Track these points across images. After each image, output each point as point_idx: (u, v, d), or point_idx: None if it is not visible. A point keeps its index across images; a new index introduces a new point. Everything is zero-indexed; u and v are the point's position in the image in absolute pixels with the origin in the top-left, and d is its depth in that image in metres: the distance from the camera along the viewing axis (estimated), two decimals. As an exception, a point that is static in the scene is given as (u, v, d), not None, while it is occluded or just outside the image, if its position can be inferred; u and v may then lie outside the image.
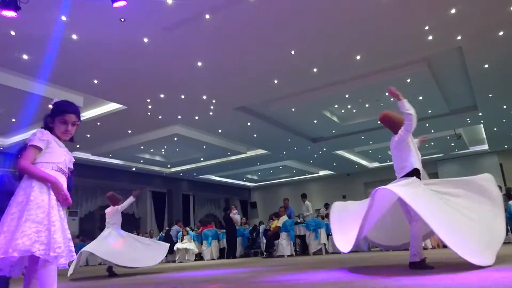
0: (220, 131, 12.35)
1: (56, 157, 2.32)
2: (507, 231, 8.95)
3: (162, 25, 6.40)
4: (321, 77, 8.82)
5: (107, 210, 7.12)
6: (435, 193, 3.92)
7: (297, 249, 11.03)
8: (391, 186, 3.69)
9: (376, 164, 18.41)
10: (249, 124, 11.60)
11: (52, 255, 2.07)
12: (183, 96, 9.35)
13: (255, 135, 12.77)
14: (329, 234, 9.99)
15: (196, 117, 10.90)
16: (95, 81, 8.17)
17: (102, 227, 7.43)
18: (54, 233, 2.10)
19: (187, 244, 12.69)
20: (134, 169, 15.85)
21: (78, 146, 11.65)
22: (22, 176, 2.28)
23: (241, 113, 10.72)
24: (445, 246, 8.96)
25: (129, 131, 11.69)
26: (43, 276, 2.09)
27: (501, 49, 7.88)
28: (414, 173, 4.03)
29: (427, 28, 7.00)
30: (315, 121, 11.94)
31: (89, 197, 15.79)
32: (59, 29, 6.20)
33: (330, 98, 10.19)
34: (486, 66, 8.57)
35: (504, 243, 9.23)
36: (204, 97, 9.48)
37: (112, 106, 9.88)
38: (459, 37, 7.38)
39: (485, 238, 3.67)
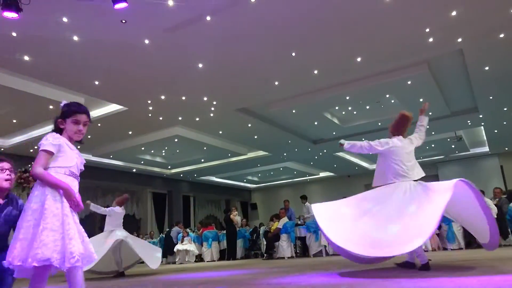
0: (220, 132, 12.36)
1: (68, 161, 2.33)
2: (507, 233, 8.96)
3: (163, 27, 6.41)
4: (322, 79, 8.83)
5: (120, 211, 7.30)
6: None
7: (298, 251, 11.03)
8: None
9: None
10: (249, 125, 11.61)
11: (66, 266, 2.10)
12: (184, 98, 9.36)
13: (255, 137, 12.76)
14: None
15: (197, 119, 10.91)
16: (96, 82, 8.18)
17: (101, 228, 7.48)
18: (69, 242, 2.12)
19: (187, 245, 12.69)
20: (134, 170, 15.86)
21: (78, 147, 11.63)
22: None
23: (241, 115, 10.72)
24: (445, 248, 8.97)
25: (130, 132, 11.70)
26: (71, 278, 2.16)
27: (502, 52, 7.88)
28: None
29: (428, 30, 7.00)
30: (316, 123, 11.94)
31: (89, 198, 15.67)
32: (61, 30, 6.21)
33: (330, 100, 10.19)
34: (487, 68, 8.58)
35: (505, 245, 9.20)
36: (205, 98, 9.49)
37: (113, 107, 9.89)
38: (459, 40, 7.38)
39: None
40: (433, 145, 14.85)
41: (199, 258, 12.99)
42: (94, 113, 10.05)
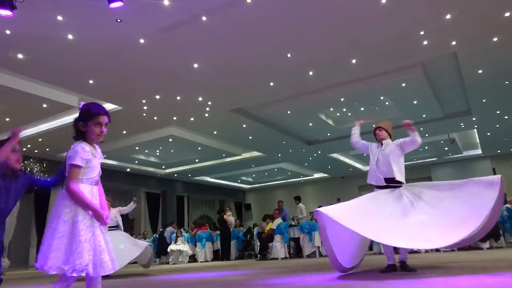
0: (215, 132, 12.35)
1: (93, 172, 2.38)
2: (499, 235, 9.03)
3: (158, 26, 6.40)
4: (317, 80, 8.86)
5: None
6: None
7: (291, 252, 11.04)
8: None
9: (370, 168, 18.46)
10: (244, 126, 11.61)
11: (100, 274, 2.23)
12: (178, 98, 9.34)
13: (250, 137, 12.77)
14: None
15: (192, 119, 10.90)
16: (91, 81, 8.15)
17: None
18: (101, 253, 2.23)
19: (181, 245, 12.66)
20: (128, 169, 15.80)
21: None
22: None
23: (236, 115, 10.73)
24: (437, 250, 9.02)
25: (124, 132, 11.66)
26: (96, 285, 2.28)
27: (495, 55, 7.96)
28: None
29: (422, 33, 7.06)
30: (311, 124, 11.98)
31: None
32: (55, 29, 6.18)
33: (325, 101, 10.23)
34: (480, 71, 8.66)
35: (497, 247, 9.26)
36: (200, 98, 9.48)
37: (107, 107, 9.83)
38: (454, 43, 7.45)
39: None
40: (426, 147, 14.95)
41: (193, 258, 12.95)
42: (88, 112, 9.99)
